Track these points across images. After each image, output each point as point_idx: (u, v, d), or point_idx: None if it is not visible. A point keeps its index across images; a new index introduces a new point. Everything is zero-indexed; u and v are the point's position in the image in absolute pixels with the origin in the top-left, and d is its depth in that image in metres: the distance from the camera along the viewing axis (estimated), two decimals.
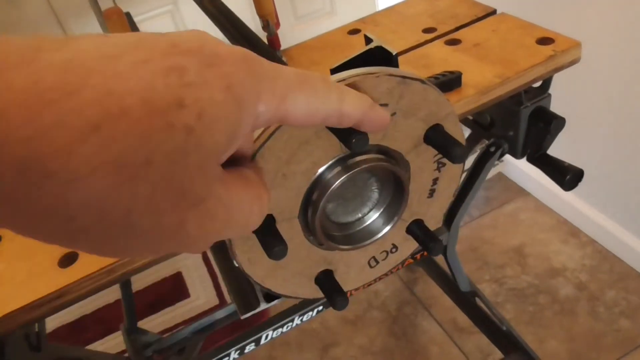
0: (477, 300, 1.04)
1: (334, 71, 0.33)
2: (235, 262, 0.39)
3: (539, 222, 1.49)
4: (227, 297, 1.45)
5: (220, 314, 1.08)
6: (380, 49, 0.34)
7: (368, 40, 0.35)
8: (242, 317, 0.39)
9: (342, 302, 0.33)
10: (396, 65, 0.34)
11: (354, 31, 0.75)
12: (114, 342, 1.37)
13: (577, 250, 1.40)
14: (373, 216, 0.34)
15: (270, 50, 0.64)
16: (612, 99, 1.17)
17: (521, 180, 1.60)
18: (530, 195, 1.57)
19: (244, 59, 0.18)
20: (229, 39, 0.71)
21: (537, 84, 0.63)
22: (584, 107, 1.23)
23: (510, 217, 1.52)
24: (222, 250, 0.42)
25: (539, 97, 0.63)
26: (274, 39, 0.70)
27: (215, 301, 1.44)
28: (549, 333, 1.23)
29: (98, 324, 1.42)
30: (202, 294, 1.47)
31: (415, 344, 1.27)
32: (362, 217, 0.34)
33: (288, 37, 0.80)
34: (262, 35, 0.68)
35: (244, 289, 0.41)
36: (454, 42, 0.66)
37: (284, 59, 0.70)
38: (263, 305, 0.39)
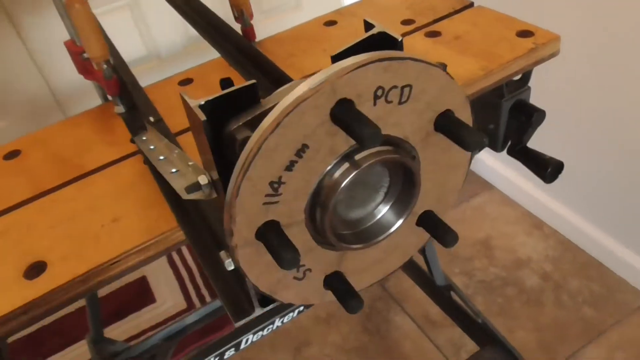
0: (452, 294, 1.05)
1: (335, 58, 0.31)
2: (226, 265, 0.36)
3: (505, 215, 1.52)
4: (196, 300, 1.40)
5: (190, 318, 1.04)
6: (382, 35, 0.32)
7: (368, 26, 0.33)
8: (236, 325, 0.37)
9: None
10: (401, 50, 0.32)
11: (330, 22, 0.73)
12: (75, 353, 1.29)
13: (541, 241, 1.44)
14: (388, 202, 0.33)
15: (245, 42, 0.61)
16: (579, 94, 1.20)
17: (486, 174, 1.63)
18: (495, 189, 1.60)
19: None
20: (198, 31, 0.67)
21: (516, 77, 0.63)
22: (551, 101, 1.26)
23: (477, 211, 1.55)
24: (211, 254, 0.39)
25: (519, 89, 0.63)
26: (248, 30, 0.67)
27: (182, 305, 1.39)
28: (517, 324, 1.26)
29: (57, 335, 1.34)
30: (168, 298, 1.41)
31: (388, 340, 1.27)
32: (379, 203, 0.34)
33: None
34: (235, 27, 0.65)
35: (236, 294, 0.38)
36: (434, 34, 0.66)
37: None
38: (258, 311, 0.37)
